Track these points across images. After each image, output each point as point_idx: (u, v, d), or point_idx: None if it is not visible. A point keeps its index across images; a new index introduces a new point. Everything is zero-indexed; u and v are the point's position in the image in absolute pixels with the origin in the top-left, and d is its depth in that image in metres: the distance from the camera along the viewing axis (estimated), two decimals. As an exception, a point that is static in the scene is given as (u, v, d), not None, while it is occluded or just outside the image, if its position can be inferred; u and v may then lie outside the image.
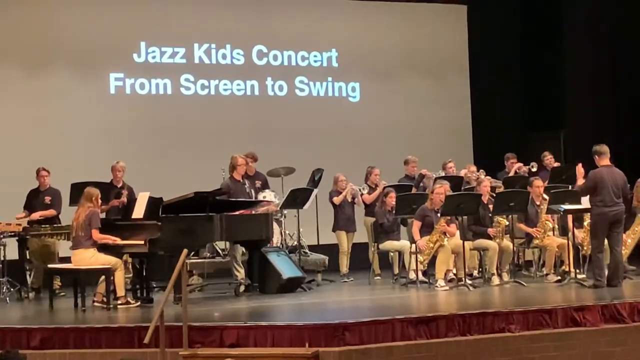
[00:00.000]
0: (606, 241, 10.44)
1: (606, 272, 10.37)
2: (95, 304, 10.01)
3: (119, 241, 10.01)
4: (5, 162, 13.10)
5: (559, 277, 11.17)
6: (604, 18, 15.43)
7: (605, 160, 10.37)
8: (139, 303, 10.07)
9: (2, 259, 10.93)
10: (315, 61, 15.30)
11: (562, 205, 10.93)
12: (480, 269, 11.57)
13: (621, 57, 15.51)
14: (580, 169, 10.92)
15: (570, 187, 11.87)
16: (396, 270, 11.92)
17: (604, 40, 15.47)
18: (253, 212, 11.28)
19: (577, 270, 11.11)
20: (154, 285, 10.78)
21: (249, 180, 11.72)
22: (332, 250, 12.52)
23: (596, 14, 15.44)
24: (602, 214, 10.24)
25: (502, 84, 15.99)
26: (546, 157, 13.31)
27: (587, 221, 11.37)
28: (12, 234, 11.07)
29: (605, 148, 10.43)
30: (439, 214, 11.01)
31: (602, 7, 15.39)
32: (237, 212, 11.03)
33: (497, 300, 9.99)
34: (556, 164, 13.24)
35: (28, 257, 11.35)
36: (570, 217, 11.22)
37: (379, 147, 14.92)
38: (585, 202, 11.09)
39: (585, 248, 11.49)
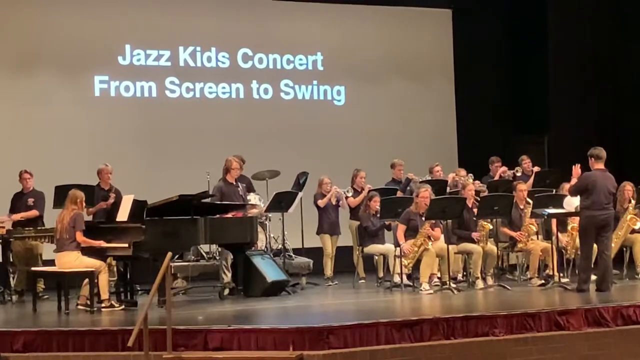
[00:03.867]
0: (595, 246, 10.45)
1: (592, 277, 10.40)
2: (79, 307, 9.97)
3: (103, 244, 9.98)
4: (-11, 164, 13.07)
5: (543, 281, 11.19)
6: (588, 22, 15.48)
7: (600, 165, 10.36)
8: (123, 306, 10.03)
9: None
10: (300, 64, 15.32)
11: (546, 209, 10.96)
12: (465, 273, 11.60)
13: (606, 62, 15.57)
14: (577, 170, 10.71)
15: (554, 191, 11.93)
16: (381, 274, 11.92)
17: (588, 45, 15.52)
18: (244, 214, 11.30)
19: (561, 274, 11.15)
20: (138, 288, 10.76)
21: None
22: (316, 254, 12.52)
23: (581, 19, 15.50)
24: (591, 217, 10.23)
25: (487, 88, 16.05)
26: (524, 161, 13.33)
27: (570, 225, 11.44)
28: (-4, 236, 11.04)
29: (603, 152, 10.37)
30: (423, 218, 11.02)
31: (586, 11, 15.45)
32: (229, 215, 11.04)
33: (481, 304, 10.01)
34: (535, 168, 13.26)
35: (11, 259, 11.28)
36: (554, 221, 11.25)
37: (364, 150, 14.95)
38: (568, 205, 11.15)
39: (568, 252, 11.54)
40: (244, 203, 11.38)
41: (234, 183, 11.44)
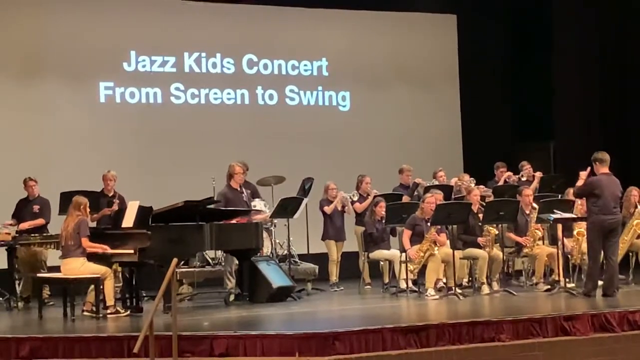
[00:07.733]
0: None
1: (599, 283, 10.38)
2: (85, 313, 9.97)
3: (108, 250, 9.98)
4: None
5: (549, 286, 11.18)
6: (593, 29, 15.49)
7: (605, 168, 10.34)
8: (128, 312, 10.04)
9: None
10: (305, 70, 15.33)
11: (552, 215, 10.93)
12: (470, 278, 11.59)
13: (610, 68, 15.57)
14: (585, 174, 10.53)
15: (559, 196, 11.92)
16: (386, 280, 11.91)
17: (593, 50, 15.53)
18: (249, 220, 11.29)
19: (567, 279, 11.14)
20: (144, 295, 10.76)
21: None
22: (322, 260, 12.51)
23: (585, 24, 15.50)
24: (598, 222, 10.21)
25: (492, 93, 16.04)
26: (524, 167, 13.27)
27: (576, 230, 11.42)
28: (2, 243, 11.03)
29: (606, 156, 10.35)
30: (429, 223, 11.01)
31: (591, 17, 15.45)
32: (233, 221, 11.04)
33: (487, 310, 10.00)
34: (537, 173, 13.22)
35: (17, 266, 11.29)
36: (559, 226, 11.23)
37: (369, 156, 14.94)
38: (574, 210, 11.13)
39: (574, 257, 11.53)
40: (248, 209, 11.38)
41: (239, 189, 11.44)
